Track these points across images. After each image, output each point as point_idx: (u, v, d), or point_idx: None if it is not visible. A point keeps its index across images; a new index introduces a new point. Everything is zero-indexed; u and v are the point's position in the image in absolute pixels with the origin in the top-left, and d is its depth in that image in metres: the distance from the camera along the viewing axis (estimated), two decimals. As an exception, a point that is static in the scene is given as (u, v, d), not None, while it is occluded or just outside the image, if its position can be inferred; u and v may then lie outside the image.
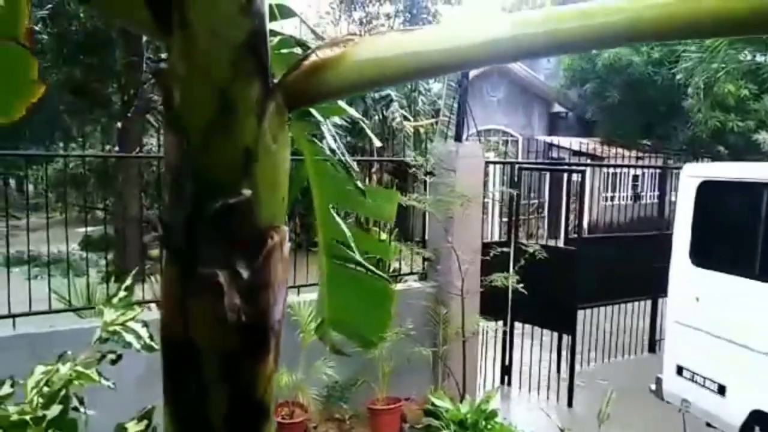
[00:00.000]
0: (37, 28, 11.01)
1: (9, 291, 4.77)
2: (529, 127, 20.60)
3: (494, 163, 7.32)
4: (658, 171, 9.84)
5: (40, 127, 16.51)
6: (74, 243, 11.66)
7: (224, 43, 0.79)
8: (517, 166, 7.08)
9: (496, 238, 9.77)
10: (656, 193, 10.25)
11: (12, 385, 1.60)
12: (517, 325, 6.96)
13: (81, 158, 13.17)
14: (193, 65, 0.79)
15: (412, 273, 6.36)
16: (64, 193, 13.86)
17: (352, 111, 1.68)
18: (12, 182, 19.75)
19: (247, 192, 0.83)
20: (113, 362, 1.76)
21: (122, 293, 1.88)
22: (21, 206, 15.17)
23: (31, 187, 17.78)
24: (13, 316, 4.55)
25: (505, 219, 10.75)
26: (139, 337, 1.79)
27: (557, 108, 21.55)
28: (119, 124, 10.46)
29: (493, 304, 6.22)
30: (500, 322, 6.78)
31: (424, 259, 6.25)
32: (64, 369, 1.62)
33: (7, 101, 1.73)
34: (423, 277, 6.30)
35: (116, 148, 10.60)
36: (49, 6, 8.93)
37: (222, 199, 0.82)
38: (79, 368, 1.64)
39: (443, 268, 5.98)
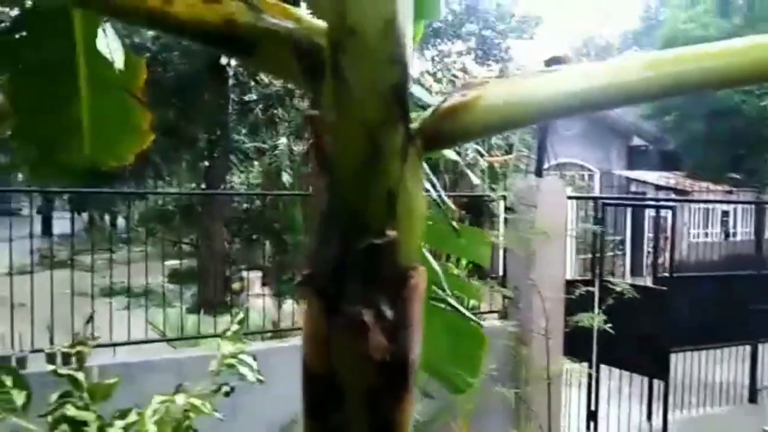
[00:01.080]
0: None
1: (110, 320, 5.08)
2: (606, 161, 19.97)
3: (577, 198, 7.14)
4: (752, 206, 9.24)
5: (132, 167, 17.70)
6: (162, 275, 12.27)
7: (375, 90, 0.83)
8: (600, 201, 6.86)
9: (572, 276, 9.44)
10: (750, 229, 9.60)
11: (137, 414, 1.69)
12: (603, 368, 6.63)
13: (169, 195, 14.02)
14: (344, 111, 0.84)
15: (491, 311, 6.24)
16: (152, 228, 14.75)
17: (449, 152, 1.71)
18: (106, 218, 21.16)
19: (391, 233, 0.86)
20: (227, 394, 1.82)
21: (235, 326, 1.96)
22: (114, 240, 16.26)
23: (122, 222, 19.01)
24: (114, 345, 4.82)
25: (581, 256, 10.38)
26: (251, 369, 1.85)
27: (636, 141, 20.83)
28: (206, 163, 11.07)
29: (576, 345, 5.97)
30: (585, 365, 6.48)
31: (504, 297, 6.12)
32: (181, 400, 1.69)
33: (121, 147, 1.89)
34: (503, 315, 6.16)
35: (202, 186, 11.18)
36: (147, 55, 9.69)
37: (368, 239, 0.85)
38: (195, 400, 1.71)
39: (524, 306, 5.83)
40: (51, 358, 4.19)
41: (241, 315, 2.13)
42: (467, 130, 0.93)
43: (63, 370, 1.96)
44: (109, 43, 1.61)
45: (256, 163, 13.49)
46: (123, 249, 15.45)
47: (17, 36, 1.61)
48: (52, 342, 4.41)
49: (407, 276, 0.88)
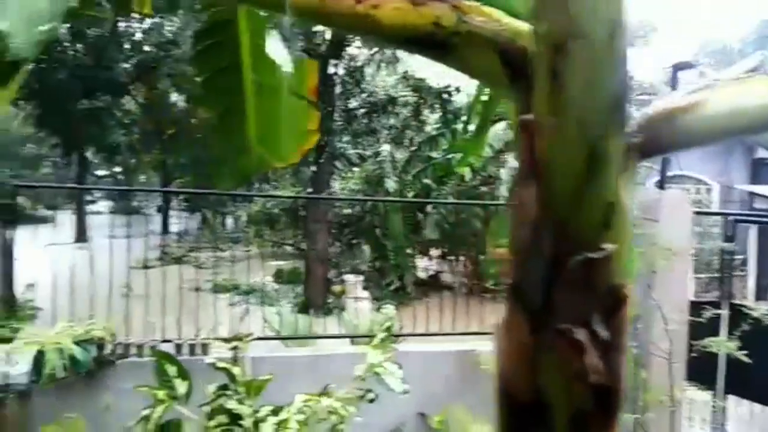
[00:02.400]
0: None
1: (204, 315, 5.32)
2: (725, 174, 18.42)
3: (704, 213, 6.61)
4: None
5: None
6: (268, 275, 12.82)
7: (599, 95, 0.78)
8: (731, 217, 6.30)
9: (692, 296, 8.73)
10: None
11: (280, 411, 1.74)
12: (731, 398, 6.05)
13: (276, 198, 14.64)
14: (563, 117, 0.79)
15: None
16: (259, 229, 15.49)
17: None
18: (217, 218, 22.44)
19: (608, 247, 0.80)
20: (371, 401, 1.84)
21: (382, 334, 1.97)
22: (224, 240, 17.28)
23: (230, 223, 20.12)
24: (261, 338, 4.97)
25: (699, 275, 9.60)
26: (396, 378, 1.85)
27: (761, 153, 19.02)
28: (312, 168, 11.44)
29: (699, 372, 5.50)
30: (709, 393, 5.95)
31: (620, 315, 5.76)
32: (326, 402, 1.72)
33: (287, 148, 1.95)
34: (618, 334, 5.81)
35: (308, 190, 11.55)
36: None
37: (582, 253, 0.80)
38: (337, 404, 1.73)
39: (644, 327, 5.45)
40: (178, 348, 4.49)
41: (388, 323, 2.14)
42: (689, 137, 0.86)
43: (220, 364, 2.07)
44: (277, 49, 1.68)
45: (355, 169, 13.78)
46: (232, 248, 16.41)
47: (200, 46, 1.71)
48: (179, 333, 4.71)
49: (622, 294, 0.82)
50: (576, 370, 0.79)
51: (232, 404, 1.81)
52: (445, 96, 13.84)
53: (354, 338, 5.50)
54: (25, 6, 1.26)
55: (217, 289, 10.44)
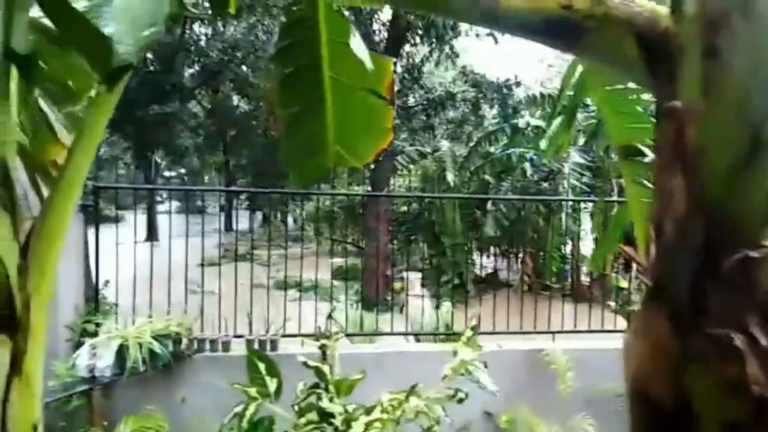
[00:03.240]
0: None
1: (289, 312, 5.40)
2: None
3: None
4: None
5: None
6: (327, 272, 12.94)
7: (765, 74, 0.70)
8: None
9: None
10: None
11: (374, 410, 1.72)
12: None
13: (336, 196, 14.82)
14: (722, 101, 0.72)
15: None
16: (319, 227, 15.69)
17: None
18: (276, 217, 22.95)
19: (770, 243, 0.72)
20: (460, 401, 1.80)
21: (469, 332, 1.93)
22: (284, 238, 17.61)
23: (291, 221, 20.52)
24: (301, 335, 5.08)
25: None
26: (487, 376, 1.80)
27: None
28: (372, 166, 11.48)
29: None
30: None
31: None
32: (414, 401, 1.69)
33: (365, 146, 1.92)
34: None
35: (368, 188, 11.60)
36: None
37: (741, 250, 0.72)
38: (424, 404, 1.70)
39: None
40: (250, 344, 4.58)
41: (474, 321, 2.10)
42: None
43: (311, 363, 2.08)
44: (358, 46, 1.66)
45: (411, 166, 13.73)
46: (292, 246, 16.70)
47: (280, 45, 1.71)
48: (251, 329, 4.81)
49: (785, 296, 0.74)
50: (732, 380, 0.72)
51: (324, 403, 1.81)
52: (505, 90, 13.60)
53: (418, 335, 5.45)
54: (129, 11, 1.28)
55: (280, 285, 10.65)
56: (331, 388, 1.92)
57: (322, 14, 1.74)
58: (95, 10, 1.21)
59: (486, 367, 1.86)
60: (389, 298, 10.75)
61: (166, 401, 3.96)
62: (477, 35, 12.85)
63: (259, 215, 20.92)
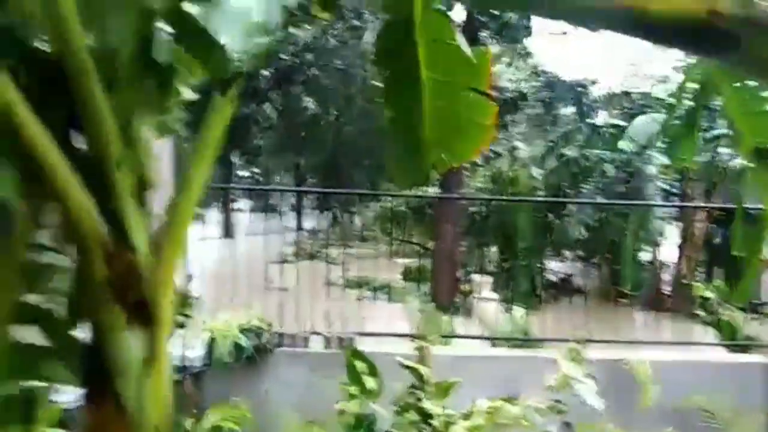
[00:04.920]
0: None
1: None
2: None
3: None
4: None
5: (370, 169, 19.28)
6: (395, 272, 13.02)
7: None
8: None
9: None
10: None
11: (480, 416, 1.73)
12: None
13: (404, 197, 14.88)
14: None
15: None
16: (386, 227, 15.83)
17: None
18: (344, 217, 23.29)
19: None
20: (560, 412, 1.77)
21: (575, 344, 1.89)
22: (353, 237, 17.92)
23: (359, 221, 20.77)
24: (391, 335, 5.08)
25: None
26: (592, 391, 1.76)
27: None
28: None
29: None
30: None
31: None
32: (513, 409, 1.67)
33: (467, 145, 1.91)
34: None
35: (437, 189, 11.57)
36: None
37: None
38: (522, 413, 1.68)
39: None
40: (327, 341, 4.69)
41: (584, 333, 2.06)
42: None
43: (409, 363, 2.12)
44: (462, 43, 1.66)
45: (483, 167, 13.58)
46: (360, 245, 16.96)
47: (379, 47, 1.74)
48: (328, 326, 4.92)
49: None
50: None
51: (426, 404, 1.83)
52: (580, 89, 13.22)
53: (502, 340, 5.38)
54: (243, 20, 1.34)
55: (350, 284, 10.81)
56: (429, 389, 1.93)
57: (418, 14, 1.74)
58: (208, 17, 1.28)
59: (594, 380, 1.81)
60: (458, 300, 10.67)
61: (249, 392, 4.12)
62: (550, 34, 12.57)
63: (328, 214, 21.37)
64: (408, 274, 12.30)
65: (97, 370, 1.18)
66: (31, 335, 1.27)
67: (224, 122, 1.40)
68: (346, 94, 16.61)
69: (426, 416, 1.81)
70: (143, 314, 1.21)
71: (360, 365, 2.09)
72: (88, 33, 1.09)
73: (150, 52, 1.13)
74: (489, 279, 11.34)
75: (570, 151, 10.98)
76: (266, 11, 1.35)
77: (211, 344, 3.84)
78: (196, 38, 1.21)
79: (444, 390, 1.99)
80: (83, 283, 1.19)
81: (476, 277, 11.48)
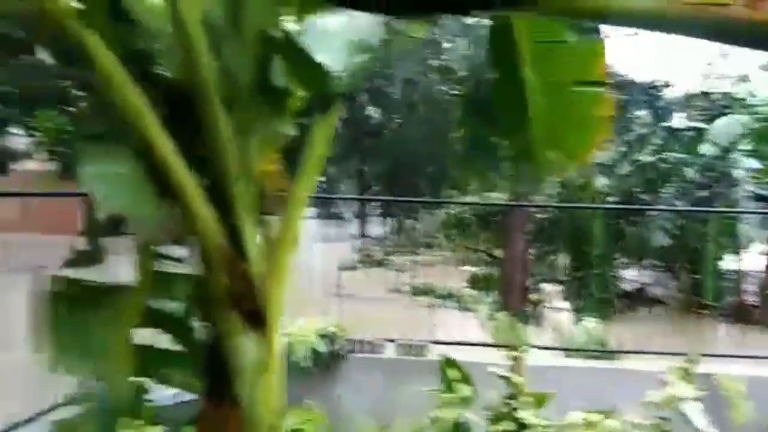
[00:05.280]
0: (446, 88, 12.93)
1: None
2: None
3: None
4: None
5: (432, 175, 19.26)
6: (460, 280, 12.94)
7: None
8: None
9: None
10: None
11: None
12: None
13: (468, 205, 14.78)
14: None
15: None
16: (451, 234, 15.74)
17: None
18: (409, 224, 23.35)
19: None
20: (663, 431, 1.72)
21: (688, 363, 1.84)
22: (418, 245, 17.94)
23: (423, 228, 20.76)
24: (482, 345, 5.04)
25: None
26: (699, 413, 1.70)
27: None
28: (510, 173, 11.28)
29: None
30: None
31: None
32: (613, 424, 1.64)
33: (581, 145, 1.81)
34: None
35: (507, 196, 11.40)
36: (463, 73, 10.33)
37: None
38: (622, 428, 1.64)
39: None
40: (401, 348, 4.72)
41: (697, 354, 1.99)
42: None
43: (504, 373, 2.13)
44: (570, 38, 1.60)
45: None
46: (425, 252, 16.97)
47: (488, 54, 1.74)
48: (400, 333, 4.95)
49: None
50: None
51: (524, 413, 1.83)
52: (653, 92, 12.72)
53: (568, 351, 5.24)
54: (342, 38, 1.40)
55: (416, 292, 10.83)
56: (526, 399, 1.92)
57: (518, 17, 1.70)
58: (307, 35, 1.34)
59: (700, 401, 1.74)
60: (528, 309, 10.46)
61: (322, 397, 4.21)
62: (622, 35, 12.15)
63: (391, 221, 21.51)
64: (475, 282, 12.17)
65: (216, 372, 1.27)
66: (153, 338, 1.38)
67: (327, 139, 1.46)
68: (409, 102, 16.71)
69: (522, 426, 1.81)
70: (257, 320, 1.28)
71: (453, 373, 2.10)
72: (211, 59, 1.18)
73: (267, 75, 1.21)
74: (559, 288, 11.06)
75: (645, 156, 10.53)
76: (364, 30, 1.41)
77: (289, 349, 3.95)
78: (297, 58, 1.28)
79: (539, 400, 1.97)
80: (204, 291, 1.28)
81: (545, 285, 11.23)
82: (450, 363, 2.38)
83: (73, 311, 1.04)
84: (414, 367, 4.57)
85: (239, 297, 1.26)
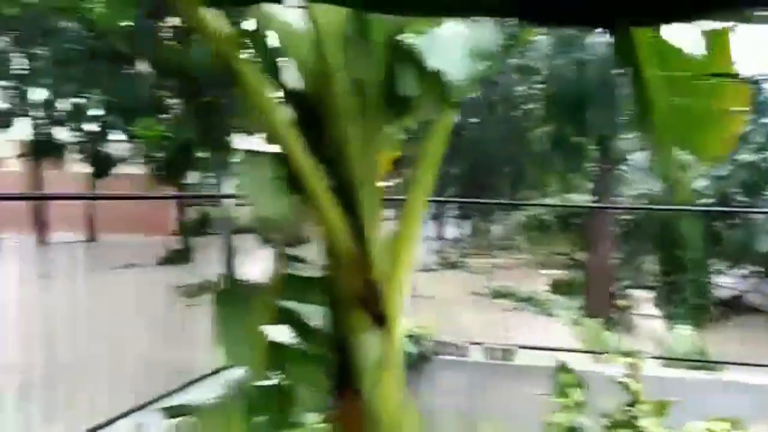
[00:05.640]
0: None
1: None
2: None
3: None
4: None
5: (510, 177, 18.91)
6: (540, 283, 12.60)
7: None
8: None
9: None
10: None
11: None
12: None
13: (549, 207, 14.40)
14: None
15: None
16: (530, 237, 15.38)
17: None
18: (487, 226, 23.04)
19: None
20: None
21: None
22: (495, 247, 17.66)
23: (501, 230, 20.42)
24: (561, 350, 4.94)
25: None
26: None
27: None
28: (594, 175, 10.90)
29: None
30: None
31: None
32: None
33: (713, 141, 1.71)
34: None
35: (590, 198, 11.04)
36: (545, 72, 10.09)
37: None
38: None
39: None
40: (488, 352, 4.69)
41: None
42: None
43: (623, 379, 2.10)
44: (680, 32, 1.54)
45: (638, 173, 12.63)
46: (502, 254, 16.66)
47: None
48: (486, 336, 4.92)
49: None
50: None
51: (644, 422, 1.79)
52: (753, 87, 11.86)
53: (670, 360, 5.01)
54: (461, 45, 1.42)
55: (496, 295, 10.69)
56: (646, 407, 1.88)
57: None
58: (425, 44, 1.37)
59: None
60: (614, 315, 10.04)
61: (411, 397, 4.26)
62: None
63: (467, 223, 21.31)
64: (558, 286, 11.81)
65: (342, 368, 1.33)
66: (282, 335, 1.46)
67: (442, 145, 1.50)
68: (486, 103, 16.46)
69: (639, 434, 1.77)
70: (381, 320, 1.34)
71: (566, 378, 2.08)
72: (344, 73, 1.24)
73: (393, 85, 1.26)
74: (646, 293, 10.55)
75: (746, 155, 9.83)
76: (485, 39, 1.43)
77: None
78: (420, 67, 1.32)
79: (660, 409, 1.91)
80: (331, 292, 1.34)
81: (632, 290, 10.75)
82: (563, 368, 2.35)
83: (237, 307, 1.13)
84: (501, 371, 4.53)
85: (365, 297, 1.32)
